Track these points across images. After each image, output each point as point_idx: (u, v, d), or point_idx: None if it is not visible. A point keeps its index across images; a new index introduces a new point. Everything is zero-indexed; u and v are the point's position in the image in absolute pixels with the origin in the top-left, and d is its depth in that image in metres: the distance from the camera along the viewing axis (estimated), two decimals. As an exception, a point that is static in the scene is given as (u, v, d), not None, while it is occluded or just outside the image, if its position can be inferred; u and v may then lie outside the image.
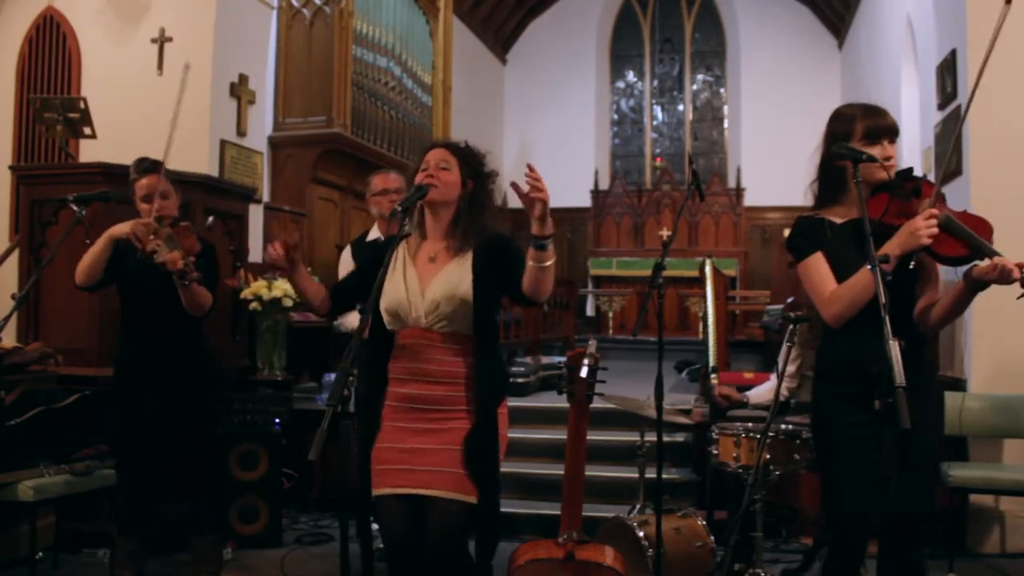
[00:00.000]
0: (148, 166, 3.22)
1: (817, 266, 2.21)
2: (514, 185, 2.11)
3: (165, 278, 3.02)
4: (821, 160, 2.29)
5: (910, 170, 2.19)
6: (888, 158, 2.18)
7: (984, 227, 2.10)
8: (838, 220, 2.24)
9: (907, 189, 2.14)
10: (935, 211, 2.03)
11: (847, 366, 2.18)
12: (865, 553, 2.28)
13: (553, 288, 2.33)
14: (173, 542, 3.88)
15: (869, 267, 2.03)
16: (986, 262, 1.99)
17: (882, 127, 2.20)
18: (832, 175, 2.25)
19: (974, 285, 2.02)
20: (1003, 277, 1.95)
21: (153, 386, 3.19)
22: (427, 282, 2.34)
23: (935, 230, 2.01)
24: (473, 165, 2.41)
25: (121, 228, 3.07)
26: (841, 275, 2.17)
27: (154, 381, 3.19)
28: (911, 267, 2.09)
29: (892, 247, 2.05)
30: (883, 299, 1.90)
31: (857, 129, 2.20)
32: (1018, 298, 1.95)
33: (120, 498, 3.31)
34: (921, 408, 2.08)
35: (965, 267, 2.08)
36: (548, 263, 2.17)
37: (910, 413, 2.00)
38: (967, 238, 2.04)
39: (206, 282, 3.15)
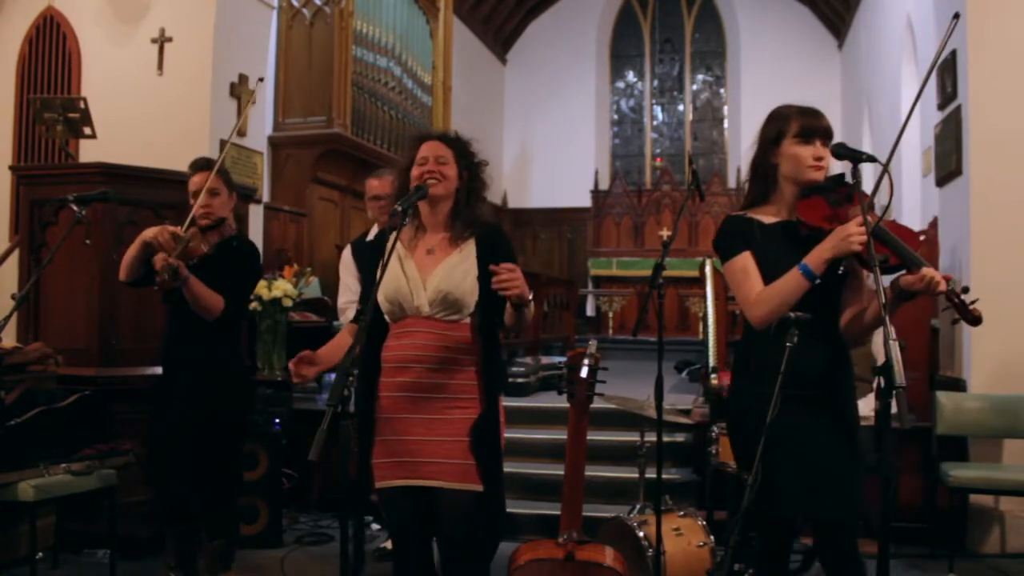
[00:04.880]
0: (201, 164, 3.29)
1: (744, 265, 2.19)
2: (493, 268, 2.12)
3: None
4: (753, 159, 2.27)
5: (843, 176, 2.19)
6: (820, 158, 2.16)
7: (912, 238, 2.10)
8: (767, 220, 2.22)
9: (840, 194, 2.13)
10: (867, 218, 2.01)
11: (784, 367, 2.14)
12: (791, 551, 2.30)
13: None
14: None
15: (800, 269, 2.05)
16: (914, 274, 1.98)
17: (816, 127, 2.18)
18: (763, 174, 2.24)
19: (900, 295, 2.01)
20: (929, 288, 1.94)
21: (181, 385, 3.22)
22: (428, 272, 2.35)
23: (865, 237, 2.00)
24: (467, 156, 2.44)
25: (150, 232, 3.09)
26: (769, 276, 2.15)
27: (182, 381, 3.22)
28: (840, 272, 2.09)
29: (824, 251, 2.05)
30: (882, 299, 1.89)
31: (792, 127, 2.18)
32: (952, 323, 1.93)
33: (160, 491, 3.39)
34: (844, 416, 2.15)
35: (892, 276, 2.06)
36: (527, 314, 2.24)
37: (834, 420, 2.12)
38: (895, 248, 2.03)
39: (219, 286, 3.15)
